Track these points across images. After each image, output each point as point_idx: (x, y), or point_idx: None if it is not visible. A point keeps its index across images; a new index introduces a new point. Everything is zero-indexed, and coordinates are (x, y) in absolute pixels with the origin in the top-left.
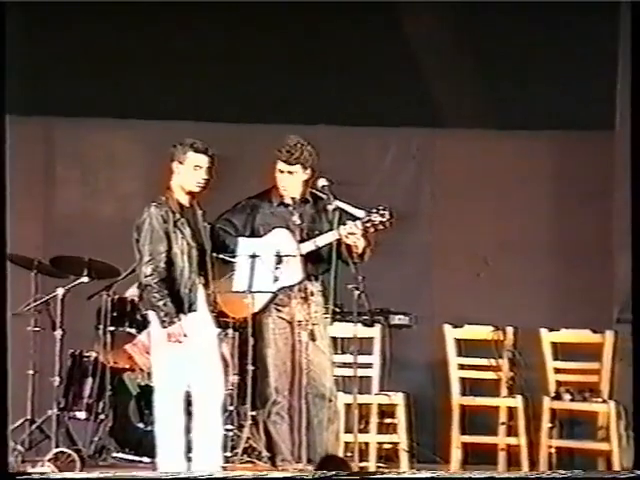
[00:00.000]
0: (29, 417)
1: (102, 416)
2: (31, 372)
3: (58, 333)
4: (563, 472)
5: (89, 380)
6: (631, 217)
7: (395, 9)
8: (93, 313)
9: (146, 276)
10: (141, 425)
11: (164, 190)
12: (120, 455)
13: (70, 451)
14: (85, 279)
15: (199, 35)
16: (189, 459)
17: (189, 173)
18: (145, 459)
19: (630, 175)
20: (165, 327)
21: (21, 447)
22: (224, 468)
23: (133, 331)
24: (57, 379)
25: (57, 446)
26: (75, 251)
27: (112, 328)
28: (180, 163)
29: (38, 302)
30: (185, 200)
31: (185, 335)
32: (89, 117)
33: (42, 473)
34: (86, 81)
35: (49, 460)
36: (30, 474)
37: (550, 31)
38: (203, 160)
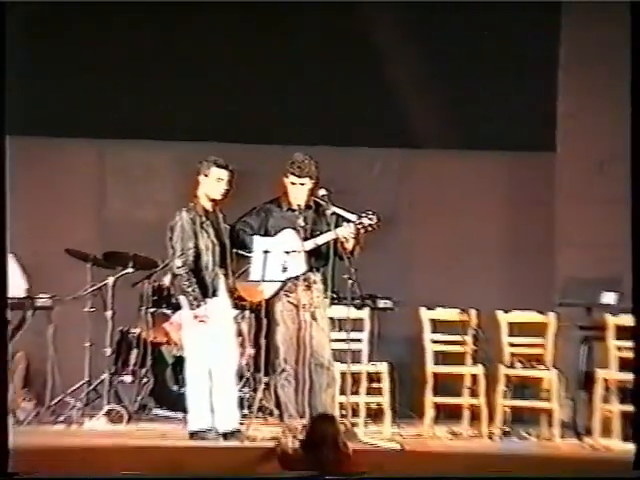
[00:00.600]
0: (86, 380)
1: (144, 380)
2: (88, 344)
3: (109, 313)
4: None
5: (134, 351)
6: (631, 217)
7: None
8: (137, 297)
9: (178, 267)
10: (175, 388)
11: (192, 198)
12: (159, 412)
13: (119, 407)
14: (130, 270)
15: (221, 65)
16: (213, 415)
17: (213, 184)
18: (179, 415)
19: (630, 175)
20: (193, 309)
21: (80, 404)
22: (241, 423)
23: (169, 312)
24: (108, 350)
25: (109, 403)
26: (122, 247)
27: (152, 310)
28: (205, 176)
29: (93, 288)
30: (209, 206)
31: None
32: (133, 139)
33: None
34: (132, 109)
35: (103, 415)
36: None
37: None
38: (224, 174)
